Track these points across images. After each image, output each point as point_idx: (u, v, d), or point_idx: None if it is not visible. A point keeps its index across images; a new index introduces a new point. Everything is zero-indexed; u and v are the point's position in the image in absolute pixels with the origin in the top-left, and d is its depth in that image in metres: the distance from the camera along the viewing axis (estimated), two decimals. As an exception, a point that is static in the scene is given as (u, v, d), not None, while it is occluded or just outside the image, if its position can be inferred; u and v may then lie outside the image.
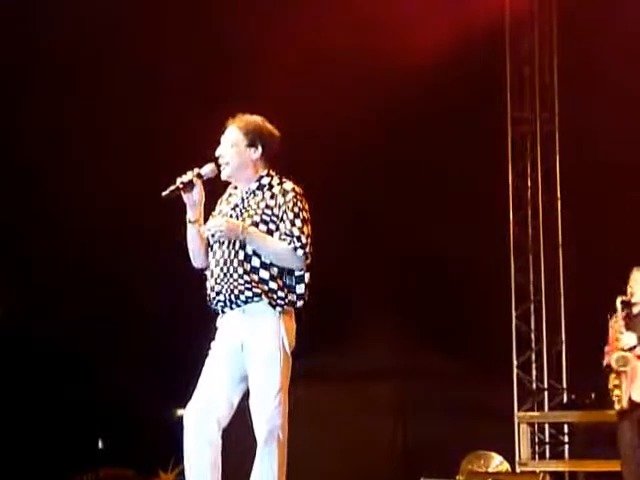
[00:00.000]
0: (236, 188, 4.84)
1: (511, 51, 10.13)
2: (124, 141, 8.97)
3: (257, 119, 4.85)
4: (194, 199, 4.71)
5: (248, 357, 4.61)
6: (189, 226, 4.76)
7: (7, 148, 8.95)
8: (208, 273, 4.74)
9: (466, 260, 9.37)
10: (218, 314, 4.75)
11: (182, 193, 4.68)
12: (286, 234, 4.63)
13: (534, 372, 9.80)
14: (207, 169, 4.75)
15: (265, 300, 4.60)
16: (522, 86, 10.14)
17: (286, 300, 4.65)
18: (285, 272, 4.68)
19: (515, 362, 9.79)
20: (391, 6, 9.20)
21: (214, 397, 4.64)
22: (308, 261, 4.68)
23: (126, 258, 9.00)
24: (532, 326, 9.85)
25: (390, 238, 9.44)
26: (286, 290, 4.66)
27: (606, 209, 9.23)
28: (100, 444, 9.56)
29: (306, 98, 8.95)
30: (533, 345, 9.83)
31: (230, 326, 4.69)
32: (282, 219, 4.66)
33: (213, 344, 4.75)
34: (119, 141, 9.01)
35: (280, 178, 4.80)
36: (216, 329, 4.77)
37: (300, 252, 4.63)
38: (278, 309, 4.62)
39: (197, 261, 4.81)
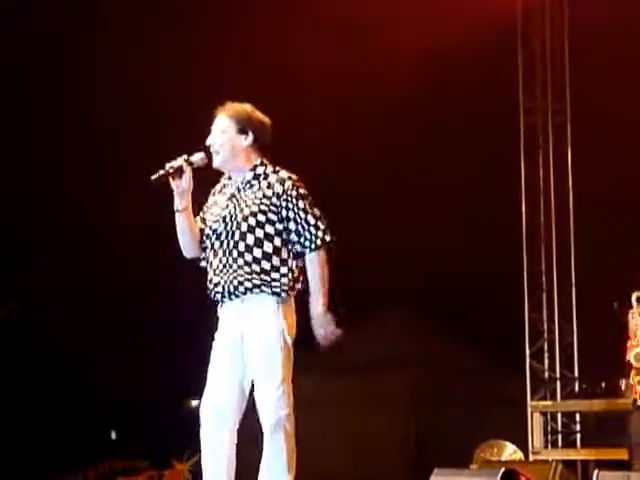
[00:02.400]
0: (230, 178, 4.79)
1: (523, 42, 10.11)
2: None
3: (247, 107, 4.78)
4: (183, 186, 4.63)
5: (248, 349, 4.60)
6: (178, 216, 4.68)
7: (19, 152, 9.02)
8: (207, 265, 4.71)
9: (479, 251, 9.41)
10: (217, 305, 4.72)
11: (171, 179, 4.61)
12: (309, 233, 4.60)
13: (546, 362, 9.78)
14: (197, 157, 4.68)
15: (267, 290, 4.58)
16: (534, 77, 10.13)
17: (287, 287, 4.62)
18: (288, 260, 4.65)
19: (528, 352, 9.79)
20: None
21: (225, 393, 4.63)
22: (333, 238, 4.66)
23: (132, 256, 9.02)
24: (544, 316, 9.86)
25: (403, 230, 9.46)
26: (288, 277, 4.62)
27: (618, 199, 9.23)
28: (113, 435, 9.61)
29: (316, 92, 9.01)
30: (545, 335, 9.83)
31: (229, 317, 4.67)
32: (290, 210, 4.60)
33: (216, 336, 4.72)
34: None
35: (274, 167, 4.75)
36: (217, 319, 4.74)
37: (327, 238, 4.62)
38: (278, 297, 4.59)
39: (187, 251, 4.76)
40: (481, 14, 9.22)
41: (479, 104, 9.31)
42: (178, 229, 4.71)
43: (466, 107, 9.36)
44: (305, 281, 4.68)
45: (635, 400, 6.92)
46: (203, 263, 4.77)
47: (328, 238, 4.63)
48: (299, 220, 4.61)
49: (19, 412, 9.17)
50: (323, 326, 4.59)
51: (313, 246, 4.61)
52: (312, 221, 4.62)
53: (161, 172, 4.63)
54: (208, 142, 4.74)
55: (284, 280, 4.61)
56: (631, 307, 7.05)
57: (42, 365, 9.22)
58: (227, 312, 4.68)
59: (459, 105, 9.38)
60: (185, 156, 4.67)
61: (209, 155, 4.72)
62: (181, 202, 4.65)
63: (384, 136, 9.48)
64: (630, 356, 6.96)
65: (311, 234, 4.61)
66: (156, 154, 4.74)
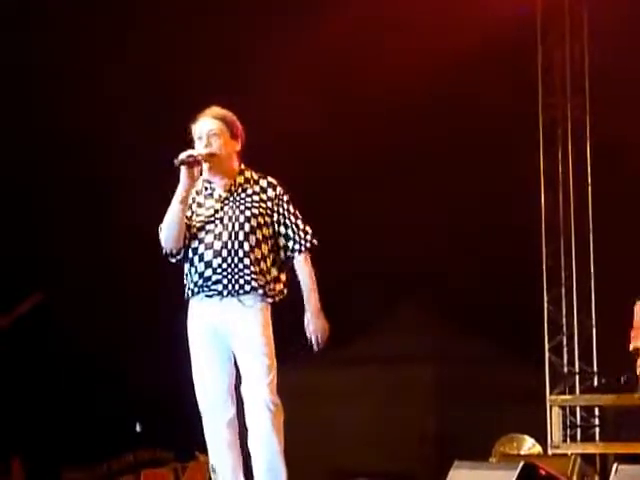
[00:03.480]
0: (210, 182, 4.86)
1: (542, 36, 10.13)
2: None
3: (231, 113, 4.88)
4: (196, 176, 4.74)
5: (237, 344, 4.74)
6: (179, 205, 4.74)
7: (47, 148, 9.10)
8: (200, 264, 4.77)
9: (498, 245, 9.44)
10: (194, 300, 4.82)
11: (186, 167, 4.69)
12: (297, 236, 4.79)
13: (565, 356, 9.85)
14: (206, 152, 4.78)
15: (262, 291, 4.72)
16: (553, 71, 10.15)
17: (278, 291, 4.81)
18: (277, 263, 4.83)
19: (547, 346, 9.85)
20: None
21: (220, 392, 4.77)
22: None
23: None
24: (563, 310, 9.91)
25: (418, 227, 9.50)
26: (276, 281, 4.81)
27: (638, 193, 9.25)
28: (138, 427, 9.65)
29: (331, 91, 9.07)
30: (564, 329, 9.89)
31: (213, 313, 4.77)
32: (280, 214, 4.79)
33: (196, 330, 4.81)
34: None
35: (256, 172, 4.89)
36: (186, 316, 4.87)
37: (315, 242, 4.82)
38: (270, 298, 4.77)
39: (171, 243, 4.79)
40: (500, 9, 9.24)
41: (497, 100, 9.32)
42: (173, 218, 4.76)
43: (484, 104, 9.38)
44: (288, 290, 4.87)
45: None
46: (173, 260, 4.86)
47: (315, 242, 4.83)
48: (289, 224, 4.80)
49: (46, 404, 9.26)
50: (320, 324, 4.77)
51: (303, 248, 4.80)
52: (301, 225, 4.82)
53: (192, 152, 4.72)
54: (205, 144, 4.80)
55: (278, 284, 4.80)
56: None
57: (68, 358, 9.29)
58: (211, 308, 4.77)
59: (477, 101, 9.40)
60: (199, 150, 4.76)
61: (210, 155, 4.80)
62: (187, 192, 4.74)
63: (399, 133, 9.50)
64: (638, 343, 7.00)
65: (300, 237, 4.81)
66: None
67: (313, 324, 4.77)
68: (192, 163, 4.70)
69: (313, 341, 4.77)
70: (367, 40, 9.31)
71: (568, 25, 10.10)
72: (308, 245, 4.80)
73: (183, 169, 4.71)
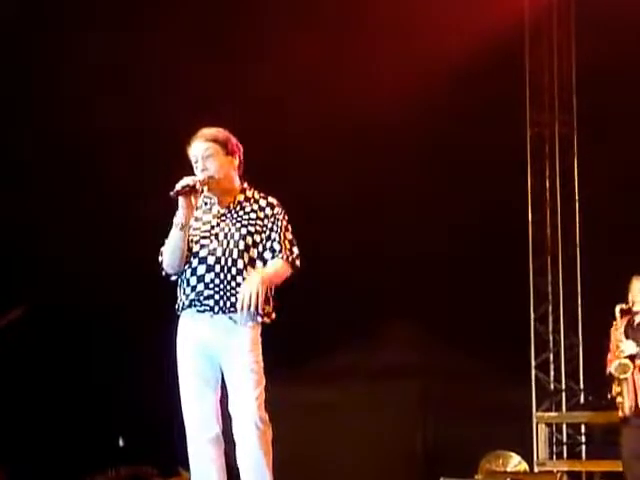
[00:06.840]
0: (210, 198, 4.83)
1: (530, 54, 10.17)
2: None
3: (222, 130, 4.85)
4: (194, 203, 4.70)
5: (227, 361, 4.71)
6: (179, 232, 4.70)
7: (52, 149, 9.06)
8: (192, 278, 4.74)
9: (485, 262, 9.43)
10: (183, 314, 4.78)
11: (183, 196, 4.64)
12: (281, 248, 4.74)
13: (552, 373, 9.87)
14: (202, 178, 4.74)
15: (253, 310, 4.67)
16: (540, 89, 10.18)
17: (266, 312, 4.77)
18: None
19: (533, 363, 9.87)
20: (411, 10, 9.28)
21: (208, 409, 4.73)
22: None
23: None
24: (550, 328, 9.92)
25: (409, 239, 9.50)
26: (267, 302, 4.75)
27: (624, 210, 9.27)
28: (121, 442, 9.61)
29: (315, 113, 9.07)
30: (551, 347, 9.90)
31: (204, 328, 4.73)
32: (273, 231, 4.76)
33: (186, 346, 4.77)
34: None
35: (259, 192, 4.87)
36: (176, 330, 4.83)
37: (297, 262, 4.77)
38: (260, 319, 4.73)
39: (174, 267, 4.76)
40: (487, 27, 9.26)
41: (484, 117, 9.34)
42: (173, 245, 4.73)
43: (471, 121, 9.40)
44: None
45: (624, 415, 6.96)
46: (174, 277, 4.84)
47: (298, 264, 4.78)
48: (279, 239, 4.75)
49: (30, 419, 9.20)
50: (255, 283, 4.61)
51: (284, 257, 4.74)
52: (288, 245, 4.77)
53: (180, 187, 4.66)
54: (201, 168, 4.75)
55: (267, 306, 4.75)
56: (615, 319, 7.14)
57: (51, 372, 9.25)
58: (202, 324, 4.73)
59: (464, 118, 9.41)
60: (196, 177, 4.71)
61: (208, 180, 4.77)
62: (186, 218, 4.70)
63: (388, 151, 9.51)
64: (611, 368, 7.02)
65: (287, 251, 4.76)
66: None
67: (249, 280, 4.63)
68: (188, 192, 4.66)
69: (239, 299, 4.60)
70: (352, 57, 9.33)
71: (555, 42, 10.15)
72: (290, 260, 4.75)
73: (180, 199, 4.66)
